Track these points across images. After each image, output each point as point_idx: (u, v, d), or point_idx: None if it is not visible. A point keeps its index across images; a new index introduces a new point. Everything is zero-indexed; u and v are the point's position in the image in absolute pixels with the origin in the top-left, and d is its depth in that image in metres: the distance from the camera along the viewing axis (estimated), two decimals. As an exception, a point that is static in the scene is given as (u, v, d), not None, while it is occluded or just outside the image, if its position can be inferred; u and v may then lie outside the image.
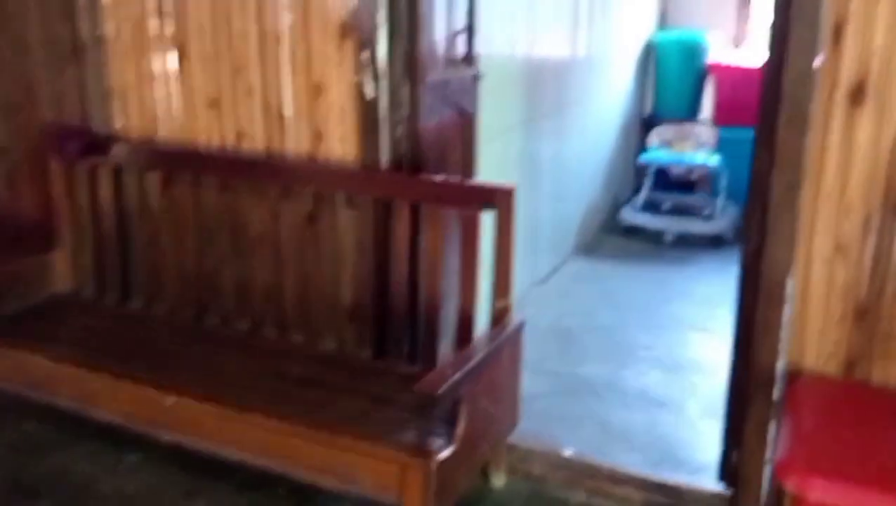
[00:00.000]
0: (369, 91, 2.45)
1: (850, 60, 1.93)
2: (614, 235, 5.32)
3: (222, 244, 2.80)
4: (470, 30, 2.81)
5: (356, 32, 2.46)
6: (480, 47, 2.92)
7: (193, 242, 2.86)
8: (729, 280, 4.77)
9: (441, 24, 2.63)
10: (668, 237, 5.15)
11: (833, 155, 1.99)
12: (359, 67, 2.46)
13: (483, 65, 3.01)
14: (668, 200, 5.76)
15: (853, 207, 1.99)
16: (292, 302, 2.71)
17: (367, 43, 2.43)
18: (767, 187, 2.07)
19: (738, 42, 6.26)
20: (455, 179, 2.64)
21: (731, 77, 5.66)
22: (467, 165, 2.82)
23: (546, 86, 4.12)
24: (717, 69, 5.75)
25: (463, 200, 2.34)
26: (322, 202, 2.59)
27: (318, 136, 2.61)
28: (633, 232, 5.27)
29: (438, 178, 2.49)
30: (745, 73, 5.62)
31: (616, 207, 5.69)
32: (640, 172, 5.83)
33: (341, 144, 2.57)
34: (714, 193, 5.51)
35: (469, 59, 2.85)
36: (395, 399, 2.24)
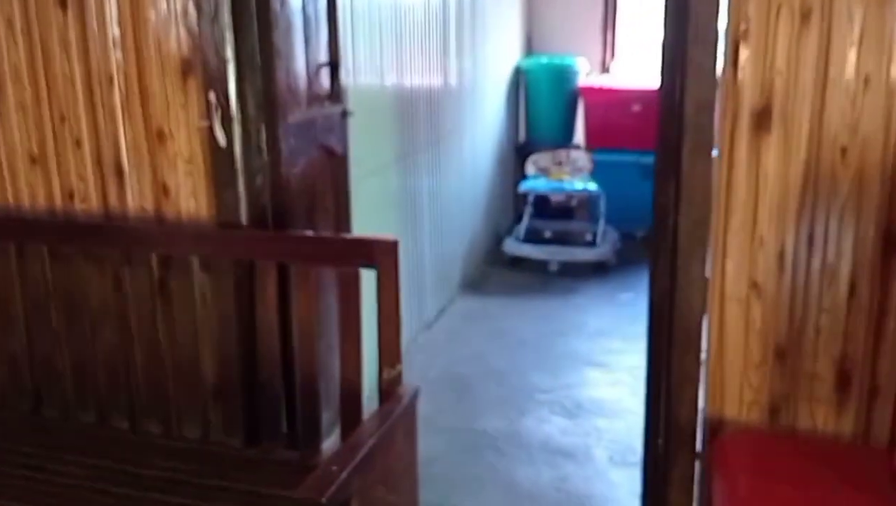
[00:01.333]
0: (220, 137, 2.12)
1: (751, 84, 1.77)
2: (499, 267, 5.13)
3: (57, 322, 2.38)
4: (334, 62, 2.54)
5: (200, 69, 2.13)
6: (347, 81, 2.65)
7: (22, 321, 2.42)
8: (617, 309, 4.70)
9: (300, 57, 2.34)
10: (553, 267, 5.00)
11: (741, 186, 1.82)
12: (206, 110, 2.13)
13: (352, 99, 2.73)
14: (549, 227, 5.66)
15: (766, 241, 1.83)
16: (145, 385, 2.31)
17: (214, 81, 2.10)
18: (674, 224, 1.88)
19: (604, 66, 6.27)
20: (328, 233, 2.34)
21: (601, 100, 5.63)
22: (341, 213, 2.52)
23: (419, 118, 3.89)
24: (587, 92, 5.71)
25: (338, 257, 2.04)
26: (173, 268, 2.22)
27: (163, 190, 2.24)
28: (517, 263, 5.10)
29: (308, 233, 2.18)
30: (614, 95, 5.60)
31: (498, 238, 5.52)
32: (519, 200, 5.70)
33: (192, 199, 2.22)
34: (594, 219, 5.44)
35: (335, 94, 2.57)
36: (272, 500, 1.90)
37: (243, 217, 2.15)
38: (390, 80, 3.47)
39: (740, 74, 1.77)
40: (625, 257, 5.14)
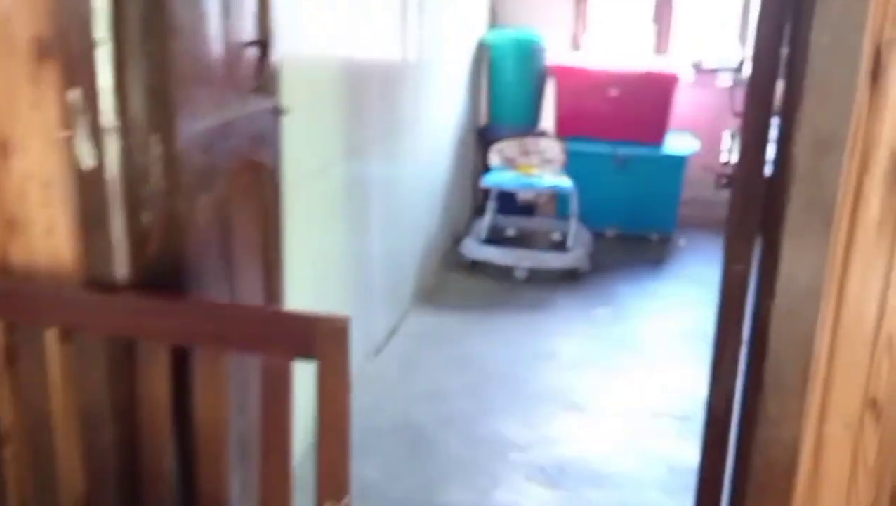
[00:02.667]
0: (84, 154, 1.43)
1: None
2: (458, 272, 4.51)
3: None
4: (263, 41, 1.85)
5: (59, 54, 1.43)
6: (282, 62, 1.97)
7: None
8: (593, 329, 3.92)
9: (214, 35, 1.65)
10: (520, 274, 4.40)
11: (866, 259, 1.23)
12: (67, 115, 1.44)
13: (288, 86, 2.05)
14: (514, 225, 5.05)
15: (895, 342, 1.25)
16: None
17: (77, 71, 1.41)
18: (761, 312, 1.28)
19: (576, 42, 5.64)
20: (250, 299, 1.67)
21: (573, 82, 5.01)
22: (270, 261, 1.86)
23: (373, 102, 3.21)
24: (558, 72, 5.08)
25: (262, 341, 1.39)
26: (21, 340, 1.54)
27: (8, 225, 1.55)
28: (478, 268, 4.48)
29: (219, 301, 1.52)
30: (589, 76, 4.99)
31: (456, 237, 4.89)
32: (480, 192, 5.08)
33: (49, 240, 1.53)
34: (563, 216, 4.85)
35: (265, 85, 1.88)
36: None
37: (121, 271, 1.48)
38: (338, 56, 2.78)
39: (882, 98, 1.17)
40: (597, 261, 4.57)
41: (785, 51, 1.37)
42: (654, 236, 5.12)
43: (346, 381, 1.35)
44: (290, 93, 2.18)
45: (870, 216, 1.19)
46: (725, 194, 5.63)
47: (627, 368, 3.43)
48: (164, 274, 1.48)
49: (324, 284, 2.81)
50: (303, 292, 2.57)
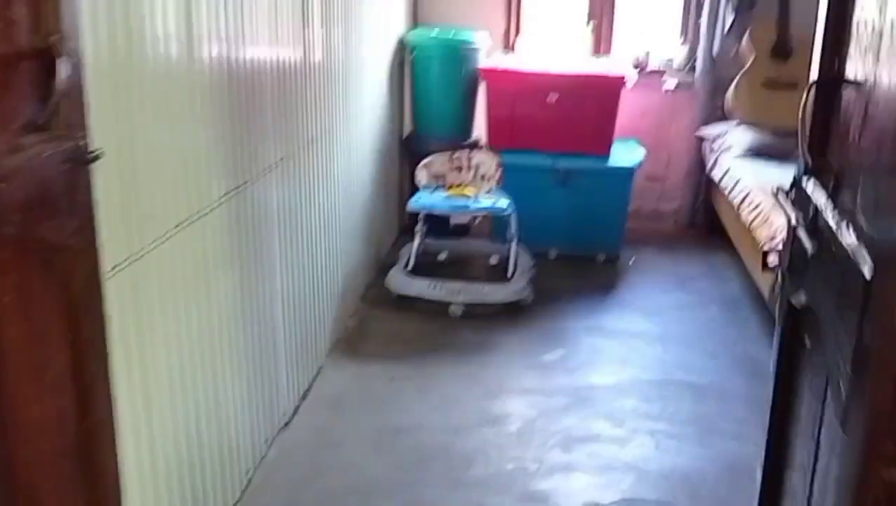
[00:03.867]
0: None
1: None
2: (382, 308, 3.87)
3: None
4: (49, 47, 1.18)
5: None
6: (92, 81, 1.31)
7: None
8: (545, 380, 3.26)
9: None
10: (455, 310, 3.80)
11: None
12: None
13: (112, 115, 1.40)
14: (445, 248, 4.45)
15: None
16: None
17: None
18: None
19: (508, 43, 5.07)
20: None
21: (507, 86, 4.44)
22: (83, 379, 1.19)
23: (265, 115, 2.55)
24: (490, 76, 4.50)
25: None
26: None
27: None
28: (406, 304, 3.86)
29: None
30: (524, 80, 4.42)
31: (380, 265, 4.26)
32: (405, 211, 4.46)
33: None
34: (501, 237, 4.27)
35: (55, 119, 1.20)
36: None
37: None
38: (207, 59, 2.11)
39: None
40: (540, 288, 4.01)
41: None
42: (601, 256, 4.59)
43: None
44: (121, 119, 1.52)
45: None
46: (670, 204, 5.18)
47: (590, 436, 2.86)
48: None
49: (207, 361, 2.14)
50: (170, 387, 1.91)
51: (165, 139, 1.84)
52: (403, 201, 4.83)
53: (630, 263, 4.59)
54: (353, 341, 3.53)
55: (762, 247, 3.35)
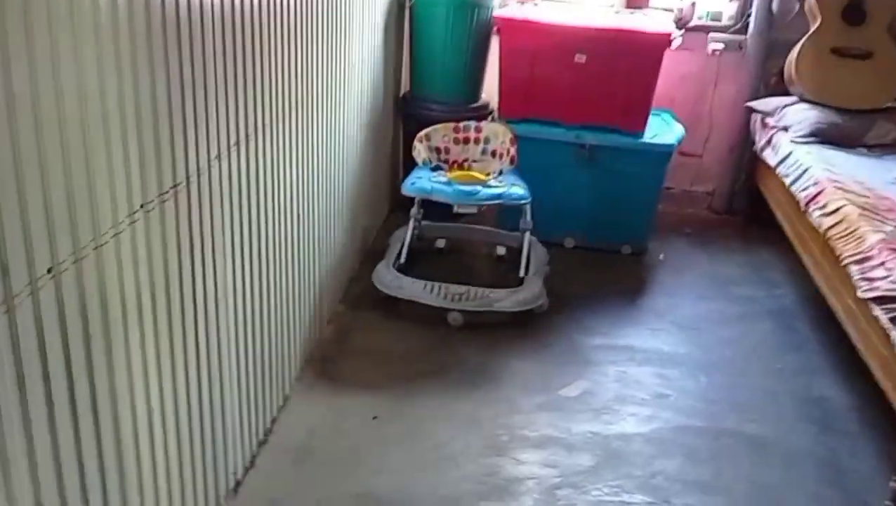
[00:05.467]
0: None
1: None
2: (367, 313, 3.20)
3: None
4: None
5: None
6: None
7: None
8: (562, 422, 2.51)
9: None
10: (455, 320, 3.13)
11: None
12: None
13: None
14: (444, 234, 3.76)
15: None
16: None
17: None
18: None
19: (527, -12, 4.28)
20: None
21: (526, 41, 3.68)
22: None
23: (213, 73, 1.82)
24: (506, 28, 3.74)
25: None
26: None
27: None
28: (396, 306, 3.19)
29: None
30: (547, 34, 3.66)
31: (366, 252, 3.58)
32: (398, 183, 3.77)
33: None
34: (509, 223, 3.59)
35: None
36: None
37: None
38: None
39: None
40: (555, 289, 3.34)
41: None
42: (626, 249, 3.91)
43: None
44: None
45: None
46: (705, 186, 4.45)
47: (625, 510, 2.23)
48: None
49: (119, 409, 1.47)
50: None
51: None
52: (396, 172, 4.14)
53: (660, 258, 3.91)
54: (328, 359, 2.87)
55: (843, 262, 2.68)
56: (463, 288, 3.14)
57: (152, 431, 1.67)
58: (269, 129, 2.21)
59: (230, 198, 1.96)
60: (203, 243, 1.82)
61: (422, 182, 3.22)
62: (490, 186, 3.21)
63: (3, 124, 1.10)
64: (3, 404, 1.16)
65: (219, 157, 1.86)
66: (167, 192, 1.61)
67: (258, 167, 2.15)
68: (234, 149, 1.95)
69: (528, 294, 3.18)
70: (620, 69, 3.62)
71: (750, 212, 4.33)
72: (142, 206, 1.50)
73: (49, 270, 1.24)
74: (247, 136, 2.03)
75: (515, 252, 3.51)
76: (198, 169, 1.75)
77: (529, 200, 3.25)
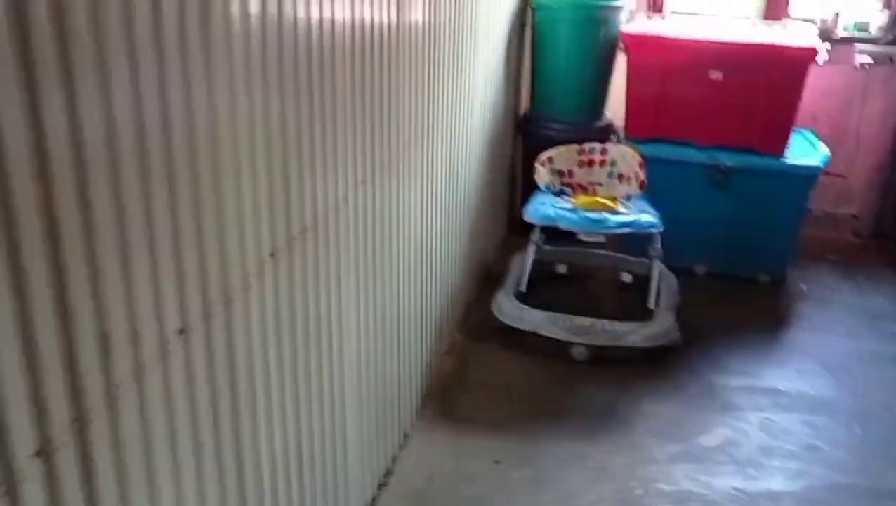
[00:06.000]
0: None
1: None
2: (486, 343, 3.08)
3: None
4: None
5: None
6: None
7: None
8: (702, 476, 2.25)
9: None
10: (579, 353, 2.96)
11: None
12: None
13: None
14: (566, 259, 3.60)
15: None
16: None
17: None
18: None
19: (656, 3, 4.09)
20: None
21: (655, 57, 3.48)
22: None
23: (339, 118, 1.74)
24: (634, 44, 3.55)
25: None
26: None
27: None
28: (516, 337, 3.04)
29: None
30: (678, 50, 3.45)
31: (484, 275, 3.46)
32: (517, 202, 3.63)
33: None
34: (637, 249, 3.39)
35: None
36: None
37: None
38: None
39: None
40: (686, 320, 3.11)
41: None
42: (763, 277, 3.63)
43: None
44: None
45: None
46: (849, 207, 4.10)
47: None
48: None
49: (244, 453, 1.40)
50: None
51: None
52: (515, 193, 4.00)
53: (802, 288, 3.62)
54: (448, 395, 2.75)
55: None
56: (588, 320, 2.97)
57: (275, 476, 1.59)
58: (395, 163, 2.11)
59: (355, 238, 1.87)
60: (330, 285, 1.73)
61: (546, 208, 3.07)
62: (618, 213, 3.03)
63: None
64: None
65: (347, 196, 1.77)
66: (295, 237, 1.53)
67: (382, 204, 2.05)
68: (361, 186, 1.85)
69: (658, 328, 2.98)
70: (760, 86, 3.37)
71: (900, 237, 3.98)
72: (271, 254, 1.42)
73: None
74: (373, 171, 1.94)
75: (642, 279, 3.31)
76: (326, 209, 1.66)
77: (661, 228, 3.04)
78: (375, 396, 2.19)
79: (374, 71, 1.87)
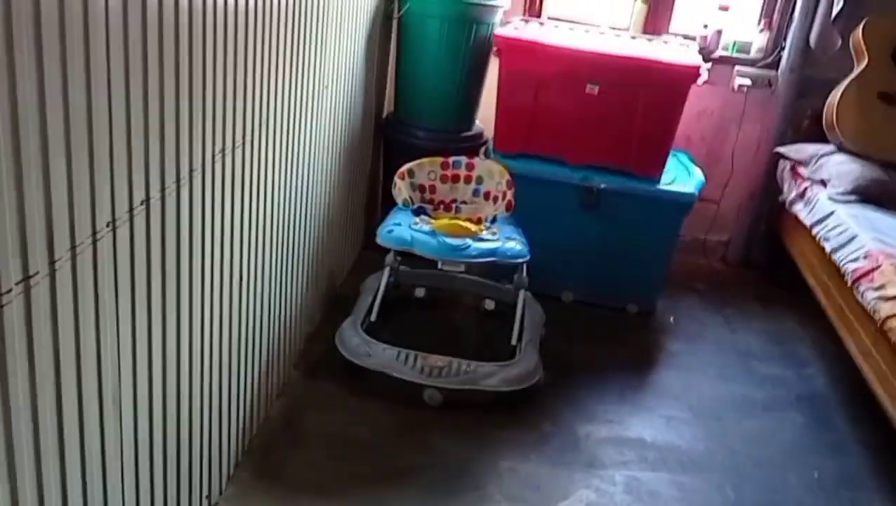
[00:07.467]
0: None
1: None
2: (326, 383, 2.67)
3: None
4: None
5: None
6: None
7: None
8: None
9: None
10: (432, 398, 2.60)
11: None
12: None
13: None
14: (424, 282, 3.23)
15: None
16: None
17: None
18: None
19: (533, 5, 3.79)
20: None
21: (530, 65, 3.15)
22: None
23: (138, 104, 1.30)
24: (507, 49, 3.20)
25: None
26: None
27: None
28: (360, 375, 2.64)
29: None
30: (555, 59, 3.13)
31: (331, 300, 3.05)
32: (376, 212, 3.24)
33: None
34: (500, 276, 3.07)
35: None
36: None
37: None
38: None
39: None
40: (551, 352, 2.82)
41: None
42: (632, 308, 3.40)
43: None
44: None
45: None
46: (721, 235, 3.84)
47: None
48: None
49: None
50: None
51: None
52: (374, 203, 3.61)
53: (671, 321, 3.41)
54: (273, 450, 2.32)
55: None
56: (444, 360, 2.61)
57: None
58: (198, 171, 1.66)
59: (132, 264, 1.41)
60: (84, 328, 1.27)
61: (401, 230, 2.68)
62: (482, 240, 2.68)
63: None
64: None
65: (145, 201, 1.32)
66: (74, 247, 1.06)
67: (180, 220, 1.60)
68: (171, 189, 1.40)
69: (521, 369, 2.65)
70: (638, 104, 3.11)
71: (769, 265, 3.85)
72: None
73: None
74: (162, 187, 1.48)
75: (506, 306, 3.00)
76: (94, 232, 1.20)
77: (527, 257, 2.72)
78: (173, 456, 1.73)
79: (158, 59, 1.42)
